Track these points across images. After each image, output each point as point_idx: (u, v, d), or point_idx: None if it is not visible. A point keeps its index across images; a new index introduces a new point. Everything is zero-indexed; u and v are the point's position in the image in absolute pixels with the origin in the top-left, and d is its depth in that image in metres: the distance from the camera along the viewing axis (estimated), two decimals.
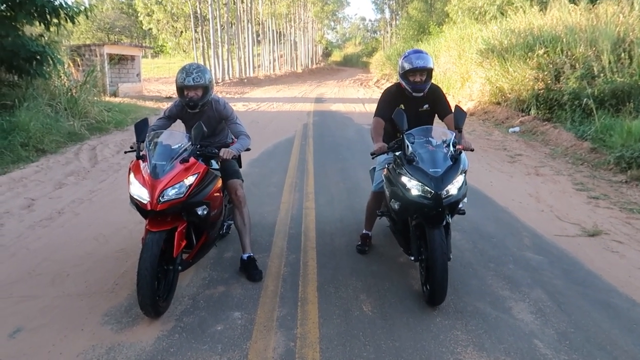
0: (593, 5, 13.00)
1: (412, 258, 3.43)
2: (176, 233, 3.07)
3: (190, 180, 3.09)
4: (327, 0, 58.81)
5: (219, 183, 3.54)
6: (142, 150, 3.24)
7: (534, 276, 3.73)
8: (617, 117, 8.87)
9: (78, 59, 18.64)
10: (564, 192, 6.23)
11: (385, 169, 3.66)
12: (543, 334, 2.92)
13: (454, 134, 3.38)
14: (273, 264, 3.95)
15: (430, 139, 3.38)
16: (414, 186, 3.13)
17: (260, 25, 43.32)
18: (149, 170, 3.04)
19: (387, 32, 51.67)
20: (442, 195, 3.04)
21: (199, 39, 32.20)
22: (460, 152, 3.26)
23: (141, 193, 3.00)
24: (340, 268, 3.89)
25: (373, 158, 3.72)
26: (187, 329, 2.99)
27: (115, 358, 2.69)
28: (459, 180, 3.15)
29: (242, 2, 37.14)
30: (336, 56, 75.64)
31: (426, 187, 3.07)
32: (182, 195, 3.03)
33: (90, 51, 19.43)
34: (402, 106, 3.72)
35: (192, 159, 3.21)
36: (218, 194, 3.48)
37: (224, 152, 3.48)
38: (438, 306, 3.22)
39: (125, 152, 3.58)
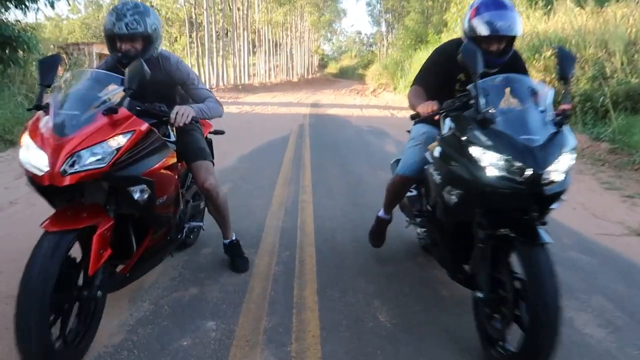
0: (601, 8, 12.58)
1: (480, 295, 2.10)
2: (94, 236, 1.91)
3: (119, 140, 1.95)
4: (324, 11, 58.58)
5: (172, 158, 2.38)
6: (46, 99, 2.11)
7: (587, 280, 2.99)
8: (635, 118, 8.32)
9: (65, 58, 18.00)
10: (592, 190, 5.55)
11: (438, 140, 2.34)
12: (624, 354, 2.17)
13: (554, 91, 2.14)
14: (261, 262, 3.19)
15: (514, 92, 2.08)
16: (493, 161, 1.91)
17: (256, 34, 42.87)
18: (51, 124, 1.91)
19: (383, 45, 51.47)
20: (542, 178, 1.85)
21: (194, 45, 31.61)
22: (567, 117, 2.02)
23: (37, 159, 1.87)
24: (345, 268, 3.13)
25: (415, 123, 2.71)
26: (141, 344, 2.21)
27: None
28: (565, 160, 1.93)
29: (239, 9, 36.70)
30: (332, 68, 75.65)
31: (516, 163, 1.87)
32: (105, 165, 1.91)
33: (79, 50, 18.79)
34: (461, 77, 2.59)
35: (123, 110, 2.02)
36: (168, 172, 2.33)
37: (179, 111, 2.35)
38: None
39: (28, 110, 2.31)
